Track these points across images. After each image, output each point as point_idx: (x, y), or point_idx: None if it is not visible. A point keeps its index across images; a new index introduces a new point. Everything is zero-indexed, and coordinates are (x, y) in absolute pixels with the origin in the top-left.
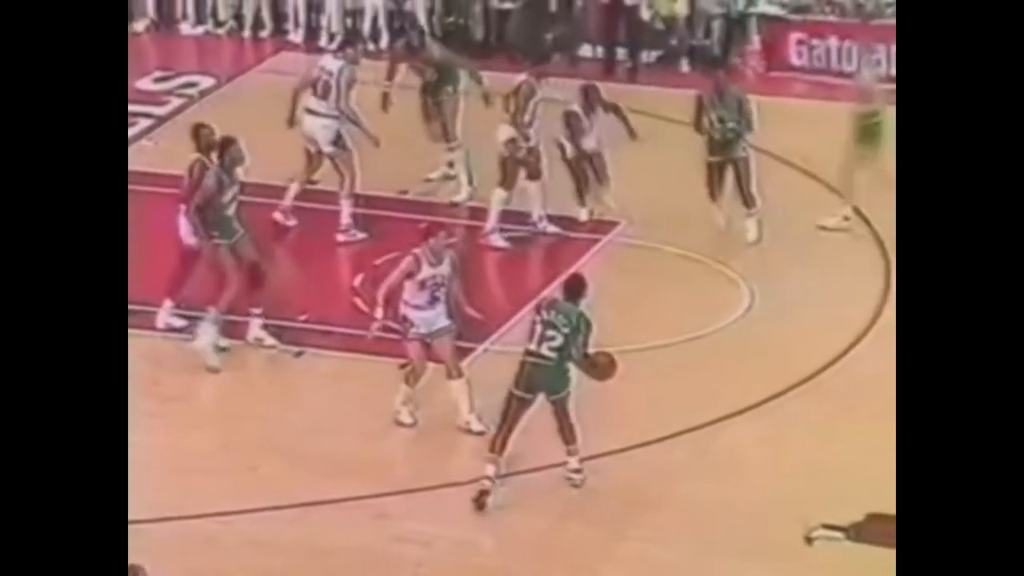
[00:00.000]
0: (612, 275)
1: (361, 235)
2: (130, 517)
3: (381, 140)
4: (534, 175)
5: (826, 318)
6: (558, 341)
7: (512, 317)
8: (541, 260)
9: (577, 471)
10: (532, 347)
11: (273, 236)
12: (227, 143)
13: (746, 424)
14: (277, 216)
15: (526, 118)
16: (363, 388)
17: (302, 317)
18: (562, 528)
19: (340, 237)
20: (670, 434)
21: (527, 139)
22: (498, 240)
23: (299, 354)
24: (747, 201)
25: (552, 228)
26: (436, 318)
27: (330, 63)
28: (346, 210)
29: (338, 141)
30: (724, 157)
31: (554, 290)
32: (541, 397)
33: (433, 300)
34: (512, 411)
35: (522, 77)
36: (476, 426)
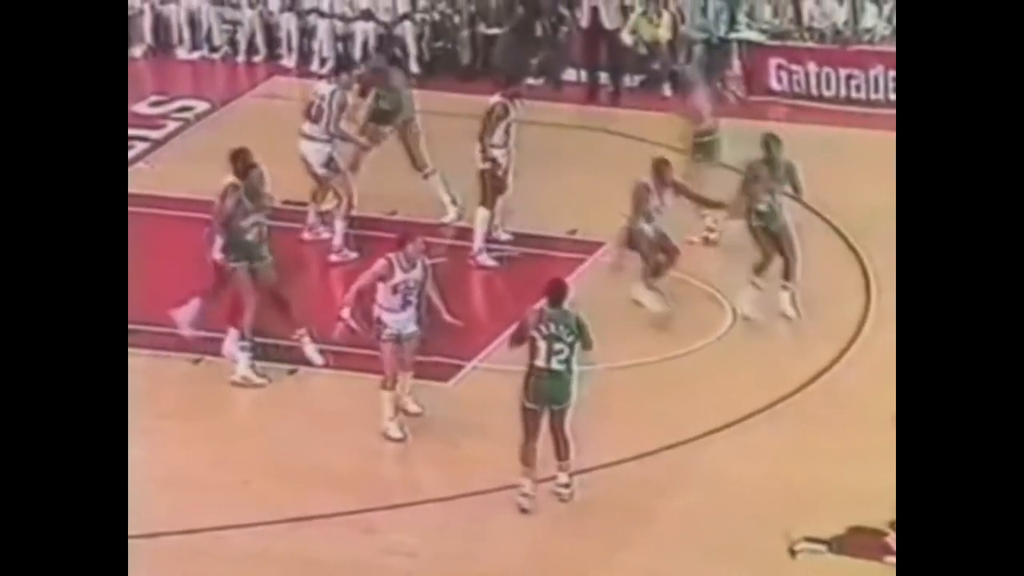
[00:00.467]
0: (597, 294)
1: (353, 255)
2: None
3: (370, 152)
4: (489, 202)
5: (808, 335)
6: (565, 353)
7: (500, 335)
8: (528, 278)
9: (566, 486)
10: (540, 363)
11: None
12: (248, 168)
13: (730, 439)
14: (306, 235)
15: (494, 139)
16: (353, 404)
17: (296, 335)
18: (549, 541)
19: (333, 258)
20: (655, 449)
21: (491, 160)
22: (486, 259)
23: (292, 371)
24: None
25: (490, 262)
26: (407, 322)
27: (323, 88)
28: (339, 231)
29: (330, 164)
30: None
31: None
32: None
33: (405, 304)
34: (530, 423)
35: (496, 99)
36: (395, 433)
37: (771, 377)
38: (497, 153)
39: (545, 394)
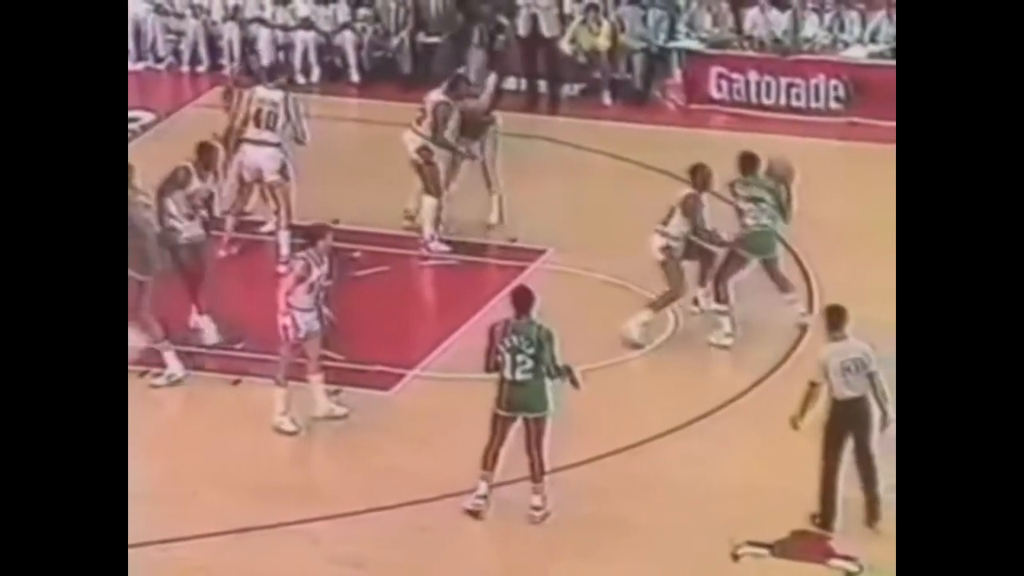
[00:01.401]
0: (540, 301)
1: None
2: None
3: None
4: (434, 190)
5: (750, 340)
6: (529, 364)
7: (441, 343)
8: (469, 286)
9: (537, 508)
10: (507, 375)
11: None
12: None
13: (671, 445)
14: (220, 253)
15: (446, 134)
16: (296, 414)
17: (239, 345)
18: (492, 548)
19: (281, 268)
20: (596, 456)
21: (441, 148)
22: (439, 246)
23: (236, 382)
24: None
25: (442, 247)
26: (313, 320)
27: (269, 94)
28: (284, 241)
29: (283, 170)
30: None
31: (487, 315)
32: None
33: (315, 302)
34: (498, 429)
35: (438, 96)
36: (288, 427)
37: (713, 383)
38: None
39: (517, 403)
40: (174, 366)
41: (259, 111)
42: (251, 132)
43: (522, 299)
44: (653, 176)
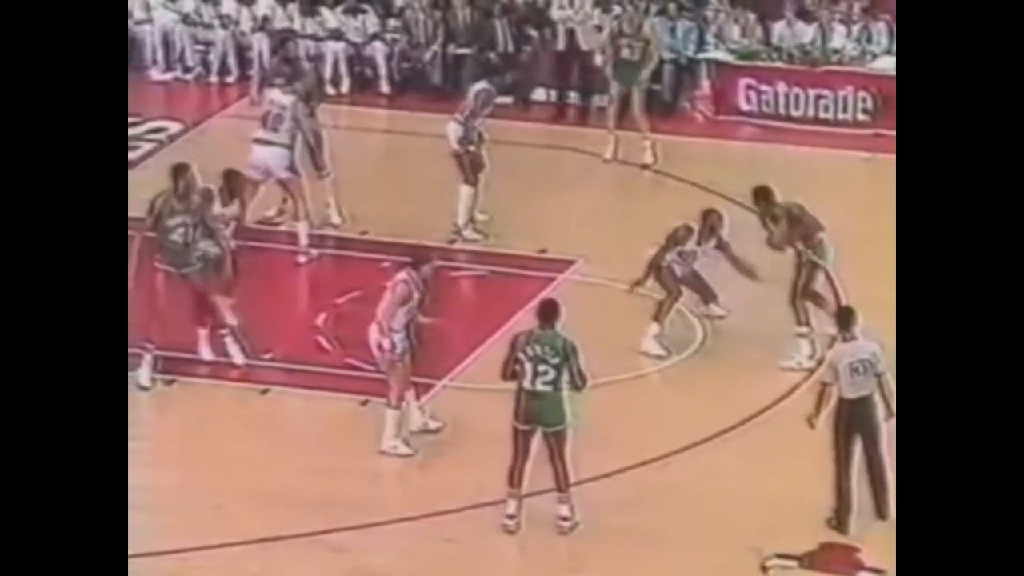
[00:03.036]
0: (567, 312)
1: (314, 252)
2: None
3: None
4: (472, 179)
5: (775, 353)
6: (550, 375)
7: (471, 354)
8: (499, 297)
9: (565, 519)
10: (526, 385)
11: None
12: (179, 169)
13: (700, 457)
14: (300, 259)
15: (477, 122)
16: (323, 425)
17: (267, 355)
18: (518, 559)
19: (301, 259)
20: (623, 467)
21: (474, 141)
22: (472, 234)
23: (265, 391)
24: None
25: (474, 235)
26: (404, 339)
27: (279, 96)
28: (303, 231)
29: (292, 167)
30: None
31: (516, 325)
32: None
33: (407, 324)
34: (520, 444)
35: (481, 85)
36: (403, 450)
37: (741, 396)
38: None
39: (535, 415)
40: (144, 375)
41: (267, 112)
42: (259, 132)
43: (548, 311)
44: (683, 188)
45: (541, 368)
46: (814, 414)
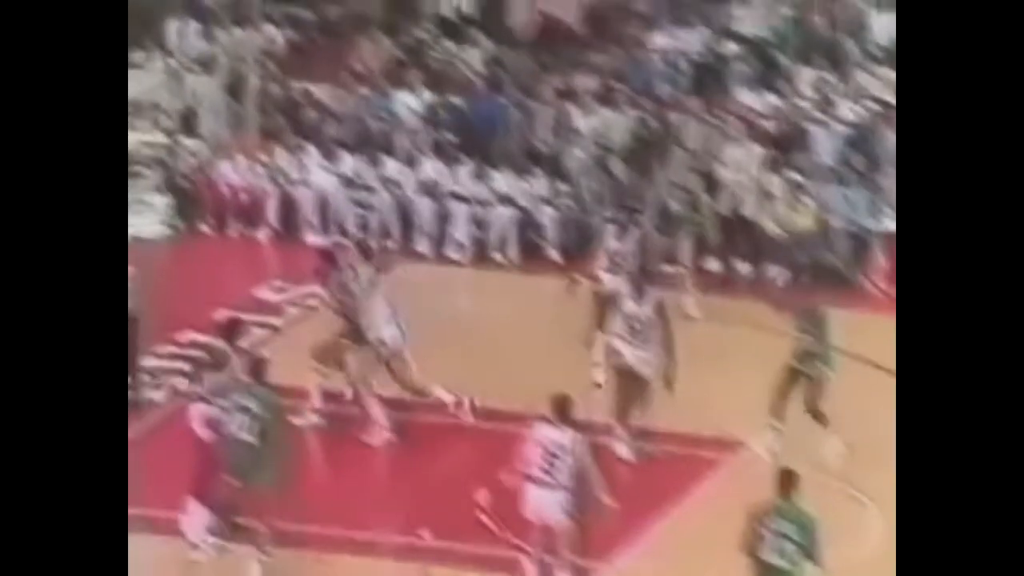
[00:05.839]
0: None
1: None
2: None
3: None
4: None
5: None
6: (790, 549)
7: (635, 539)
8: (660, 479)
9: None
10: (764, 557)
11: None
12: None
13: None
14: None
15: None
16: None
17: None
18: None
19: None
20: None
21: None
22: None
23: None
24: None
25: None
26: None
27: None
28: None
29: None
30: None
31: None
32: None
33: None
34: None
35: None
36: None
37: None
38: None
39: None
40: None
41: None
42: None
43: (786, 482)
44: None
45: (787, 546)
46: None
